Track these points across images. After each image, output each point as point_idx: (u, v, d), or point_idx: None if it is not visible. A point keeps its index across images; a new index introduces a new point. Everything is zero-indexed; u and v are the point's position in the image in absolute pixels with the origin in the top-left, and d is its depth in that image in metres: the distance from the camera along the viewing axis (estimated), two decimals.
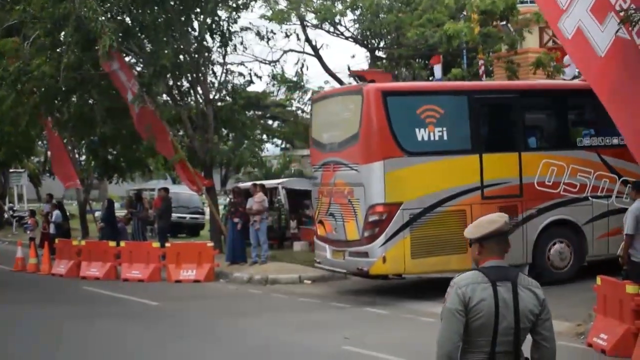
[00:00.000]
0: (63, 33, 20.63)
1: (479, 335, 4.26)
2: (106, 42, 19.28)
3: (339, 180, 15.46)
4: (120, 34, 21.53)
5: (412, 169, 14.66)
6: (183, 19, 21.75)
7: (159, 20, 20.86)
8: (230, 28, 22.72)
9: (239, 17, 22.88)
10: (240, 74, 24.47)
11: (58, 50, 21.29)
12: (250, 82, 24.81)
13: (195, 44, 22.91)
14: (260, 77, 24.84)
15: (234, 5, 22.44)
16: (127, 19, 21.61)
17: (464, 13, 21.72)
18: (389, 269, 15.02)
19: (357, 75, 20.07)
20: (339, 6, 23.93)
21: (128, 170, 29.90)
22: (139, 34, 22.09)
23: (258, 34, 23.59)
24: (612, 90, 9.82)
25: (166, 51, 21.49)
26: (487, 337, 4.25)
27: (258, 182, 23.94)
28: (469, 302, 4.24)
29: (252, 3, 23.35)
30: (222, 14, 22.41)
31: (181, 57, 22.58)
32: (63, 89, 22.59)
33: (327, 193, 16.01)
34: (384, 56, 26.55)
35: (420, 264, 14.81)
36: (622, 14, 9.41)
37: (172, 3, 20.94)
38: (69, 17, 20.07)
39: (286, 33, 24.53)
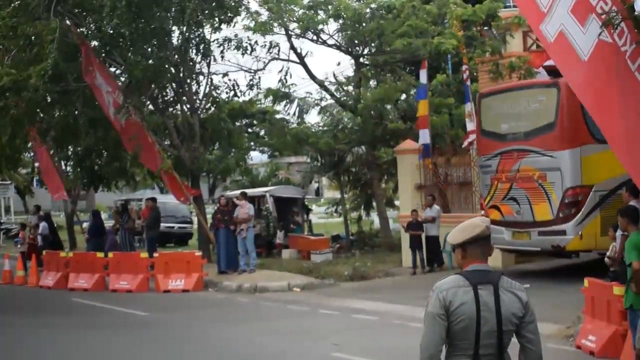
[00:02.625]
0: (47, 49, 20.55)
1: (461, 338, 4.27)
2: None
3: (525, 167, 16.59)
4: (102, 45, 21.53)
5: (600, 155, 15.56)
6: (163, 27, 21.66)
7: (139, 30, 20.75)
8: (209, 41, 22.71)
9: (220, 29, 22.88)
10: (224, 84, 24.53)
11: (35, 65, 21.18)
12: (235, 95, 24.83)
13: (177, 56, 22.89)
14: (242, 93, 24.91)
15: (217, 19, 22.42)
16: (110, 30, 21.52)
17: (446, 21, 21.72)
18: (584, 245, 16.20)
19: (550, 70, 20.58)
20: (322, 15, 23.93)
21: (114, 180, 29.79)
22: (122, 45, 22.04)
23: (239, 47, 23.57)
24: (596, 95, 9.81)
25: (138, 61, 21.47)
26: (470, 340, 4.26)
27: (241, 191, 23.99)
28: (450, 305, 4.27)
29: (236, 18, 23.38)
30: (203, 29, 22.41)
31: (166, 66, 22.58)
32: (48, 99, 22.51)
33: (507, 179, 17.10)
34: (368, 63, 26.59)
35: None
36: (603, 16, 9.43)
37: (154, 14, 20.86)
38: (37, 36, 20.06)
39: (270, 44, 24.52)
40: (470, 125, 20.40)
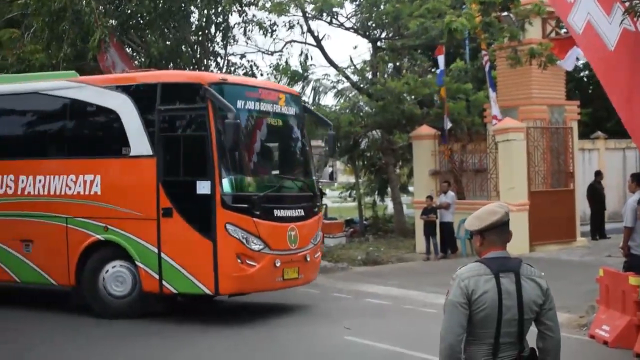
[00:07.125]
0: (61, 26, 20.55)
1: (482, 326, 4.23)
2: (96, 35, 19.29)
3: None
4: (119, 25, 21.50)
5: None
6: (183, 8, 21.61)
7: (158, 10, 20.72)
8: (229, 21, 22.64)
9: (245, 12, 22.83)
10: (241, 65, 24.46)
11: (55, 43, 21.18)
12: (252, 74, 24.76)
13: (194, 36, 22.84)
14: (259, 74, 24.81)
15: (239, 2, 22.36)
16: (127, 10, 21.51)
17: (464, 5, 21.59)
18: None
19: None
20: None
21: None
22: (140, 25, 22.01)
23: (260, 27, 23.50)
24: (621, 87, 9.66)
25: (157, 41, 21.43)
26: (491, 329, 4.22)
27: None
28: (472, 294, 4.20)
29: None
30: (225, 9, 22.32)
31: (183, 47, 22.53)
32: None
33: None
34: (385, 47, 26.47)
35: None
36: (626, 4, 9.33)
37: None
38: (66, 10, 20.07)
39: (289, 23, 24.45)
40: (495, 110, 20.30)
